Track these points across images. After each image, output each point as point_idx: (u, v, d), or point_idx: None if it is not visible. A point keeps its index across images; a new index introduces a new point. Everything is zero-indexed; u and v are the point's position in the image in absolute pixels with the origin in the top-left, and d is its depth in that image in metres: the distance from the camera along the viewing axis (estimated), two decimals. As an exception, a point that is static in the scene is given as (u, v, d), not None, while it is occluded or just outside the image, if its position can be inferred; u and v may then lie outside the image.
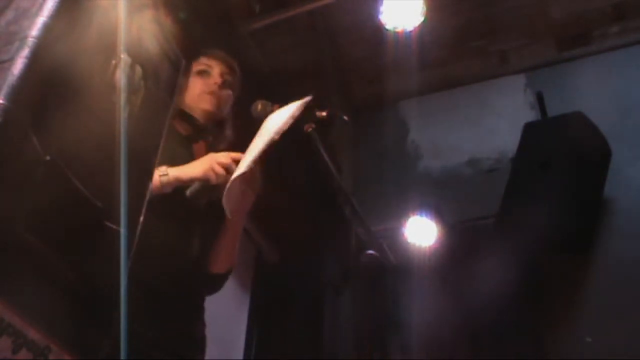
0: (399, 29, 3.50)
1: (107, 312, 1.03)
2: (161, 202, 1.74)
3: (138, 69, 1.15)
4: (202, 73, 2.12)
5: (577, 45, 4.22)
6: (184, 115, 2.06)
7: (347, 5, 3.89)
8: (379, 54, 4.19)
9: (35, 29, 0.96)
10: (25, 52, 0.93)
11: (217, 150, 1.98)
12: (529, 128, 3.75)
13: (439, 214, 3.84)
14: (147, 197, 1.20)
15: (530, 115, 4.12)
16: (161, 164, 1.75)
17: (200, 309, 1.98)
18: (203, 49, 2.18)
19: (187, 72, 2.08)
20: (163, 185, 1.76)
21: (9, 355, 0.84)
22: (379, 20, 3.48)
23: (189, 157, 1.95)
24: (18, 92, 0.90)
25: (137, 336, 1.64)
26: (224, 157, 1.84)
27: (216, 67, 2.14)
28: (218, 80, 2.11)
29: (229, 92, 2.16)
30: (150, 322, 1.73)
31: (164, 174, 1.76)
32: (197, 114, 2.08)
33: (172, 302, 1.85)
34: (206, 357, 1.97)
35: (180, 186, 1.83)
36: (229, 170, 1.80)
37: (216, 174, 1.79)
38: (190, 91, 2.08)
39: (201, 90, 2.09)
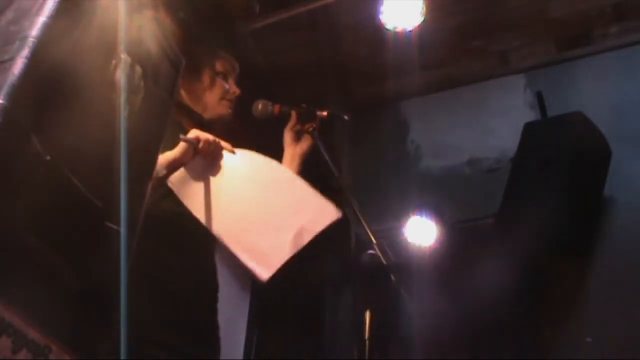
0: (399, 29, 3.49)
1: (107, 312, 1.03)
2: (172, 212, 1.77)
3: (138, 69, 1.15)
4: (223, 76, 2.16)
5: (577, 45, 4.21)
6: (190, 113, 2.07)
7: (347, 5, 3.89)
8: (379, 54, 4.18)
9: (35, 29, 0.95)
10: (25, 52, 0.93)
11: None
12: (529, 128, 3.75)
13: (439, 214, 3.83)
14: (147, 197, 1.20)
15: (530, 115, 4.11)
16: None
17: (217, 312, 1.99)
18: (221, 52, 2.21)
19: (210, 69, 2.11)
20: (156, 169, 1.75)
21: (9, 355, 0.84)
22: (379, 20, 3.47)
23: None
24: (18, 92, 0.90)
25: (155, 342, 1.66)
26: (205, 136, 1.83)
27: (232, 74, 2.20)
28: (237, 91, 2.17)
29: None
30: (171, 326, 1.74)
31: None
32: (211, 114, 2.11)
33: (194, 306, 1.86)
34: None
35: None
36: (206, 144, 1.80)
37: (186, 147, 1.78)
38: (214, 92, 2.11)
39: (222, 96, 2.13)
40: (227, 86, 2.14)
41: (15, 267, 0.88)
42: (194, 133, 1.82)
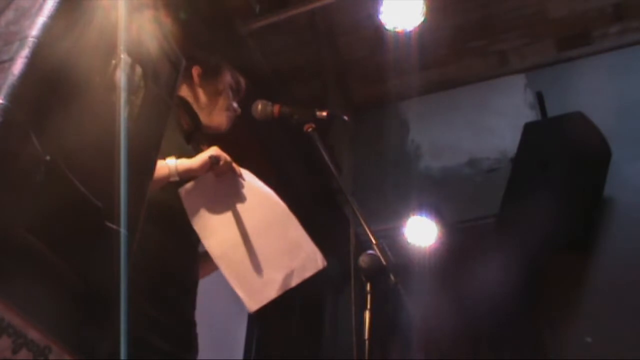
0: (399, 29, 3.49)
1: (107, 312, 1.03)
2: (167, 208, 1.78)
3: (138, 69, 1.15)
4: (233, 91, 2.18)
5: (577, 45, 4.22)
6: (191, 112, 2.09)
7: (347, 5, 3.89)
8: (379, 54, 4.19)
9: (35, 29, 0.95)
10: (25, 52, 0.93)
11: None
12: (529, 128, 3.75)
13: (439, 214, 3.83)
14: (147, 197, 1.20)
15: (530, 115, 4.12)
16: (170, 153, 1.82)
17: (194, 309, 1.98)
18: (234, 69, 2.24)
19: (226, 80, 2.15)
20: (171, 173, 1.80)
21: (9, 355, 0.84)
22: (379, 20, 3.47)
23: (192, 152, 1.98)
24: (18, 92, 0.90)
25: (137, 340, 1.66)
26: (225, 156, 1.89)
27: (238, 95, 2.23)
28: (238, 111, 2.20)
29: None
30: (152, 325, 1.74)
31: (171, 163, 1.81)
32: (212, 121, 2.15)
33: (173, 302, 1.86)
34: (205, 357, 1.97)
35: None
36: (222, 164, 1.86)
37: (207, 163, 1.84)
38: (223, 101, 2.15)
39: (226, 108, 2.16)
40: (233, 103, 2.17)
41: (15, 267, 0.88)
42: (216, 150, 1.87)
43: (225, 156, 1.88)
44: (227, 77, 2.17)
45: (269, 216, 1.96)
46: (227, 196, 1.91)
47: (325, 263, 1.96)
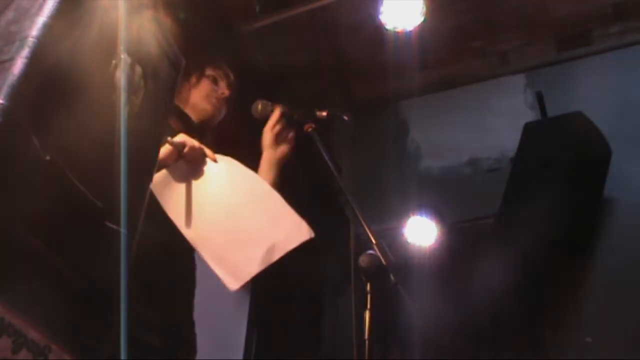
0: (399, 29, 3.49)
1: (107, 312, 1.03)
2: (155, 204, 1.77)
3: (138, 69, 1.15)
4: (213, 79, 2.17)
5: (577, 45, 4.22)
6: (180, 113, 2.09)
7: (347, 5, 3.89)
8: (379, 54, 4.18)
9: (35, 29, 0.95)
10: (25, 52, 0.93)
11: None
12: (529, 128, 3.75)
13: (439, 214, 3.83)
14: (147, 197, 1.20)
15: (530, 115, 4.12)
16: None
17: (192, 308, 1.98)
18: (214, 58, 2.23)
19: (199, 72, 2.13)
20: None
21: (9, 355, 0.84)
22: (379, 20, 3.47)
23: None
24: (18, 92, 0.90)
25: (135, 340, 1.65)
26: (191, 141, 1.85)
27: (224, 80, 2.21)
28: (226, 92, 2.19)
29: (225, 108, 2.20)
30: (148, 324, 1.73)
31: None
32: (197, 112, 2.13)
33: (170, 301, 1.86)
34: (205, 357, 1.97)
35: None
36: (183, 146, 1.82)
37: (171, 150, 1.80)
38: (200, 90, 2.14)
39: (209, 94, 2.15)
40: (215, 87, 2.16)
41: (15, 267, 0.88)
42: (181, 137, 1.84)
43: (191, 141, 1.84)
44: (199, 71, 2.16)
45: (246, 195, 1.93)
46: (202, 181, 1.86)
47: (313, 234, 1.91)
